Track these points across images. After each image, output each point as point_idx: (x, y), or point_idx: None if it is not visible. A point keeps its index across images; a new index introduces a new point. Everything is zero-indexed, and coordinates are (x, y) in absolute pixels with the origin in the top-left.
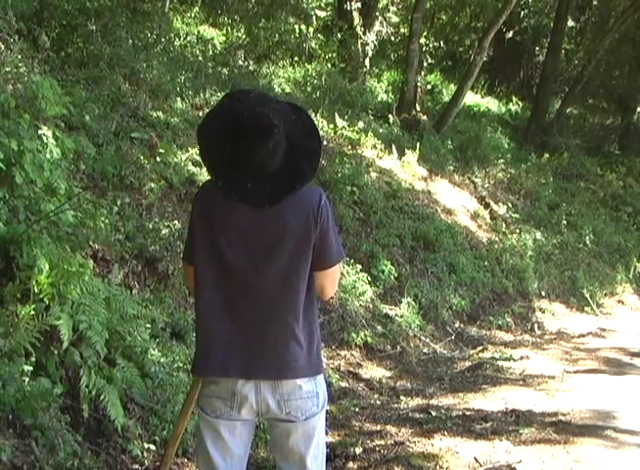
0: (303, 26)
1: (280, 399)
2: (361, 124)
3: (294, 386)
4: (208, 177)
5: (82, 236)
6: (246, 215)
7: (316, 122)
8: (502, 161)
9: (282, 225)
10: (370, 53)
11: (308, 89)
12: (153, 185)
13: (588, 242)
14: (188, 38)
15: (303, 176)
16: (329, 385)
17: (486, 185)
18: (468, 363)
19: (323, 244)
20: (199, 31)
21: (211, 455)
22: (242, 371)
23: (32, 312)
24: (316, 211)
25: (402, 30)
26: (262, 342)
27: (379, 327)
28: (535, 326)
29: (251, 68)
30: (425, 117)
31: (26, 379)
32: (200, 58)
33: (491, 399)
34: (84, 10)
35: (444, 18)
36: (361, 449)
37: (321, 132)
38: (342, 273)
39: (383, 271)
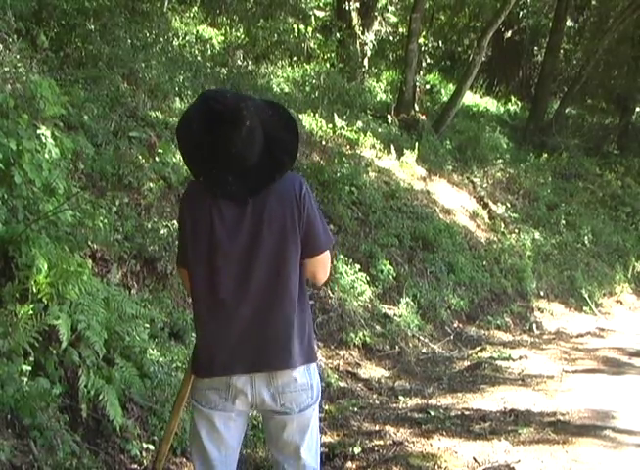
0: (302, 26)
1: (275, 391)
2: (360, 124)
3: (289, 378)
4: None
5: (81, 236)
6: (231, 210)
7: (294, 115)
8: (501, 160)
9: (267, 215)
10: (369, 53)
11: (307, 89)
12: (151, 185)
13: (587, 242)
14: (187, 38)
15: (282, 166)
16: (328, 385)
17: (485, 185)
18: (466, 363)
19: (310, 230)
20: (197, 31)
21: (206, 446)
22: (245, 367)
23: (31, 312)
24: (299, 197)
25: (401, 30)
26: (261, 335)
27: (377, 327)
28: (534, 326)
29: (249, 67)
30: (423, 117)
31: (25, 379)
32: (198, 58)
33: (490, 399)
34: (83, 10)
35: (443, 18)
36: (360, 449)
37: (320, 132)
38: (341, 273)
39: (381, 271)
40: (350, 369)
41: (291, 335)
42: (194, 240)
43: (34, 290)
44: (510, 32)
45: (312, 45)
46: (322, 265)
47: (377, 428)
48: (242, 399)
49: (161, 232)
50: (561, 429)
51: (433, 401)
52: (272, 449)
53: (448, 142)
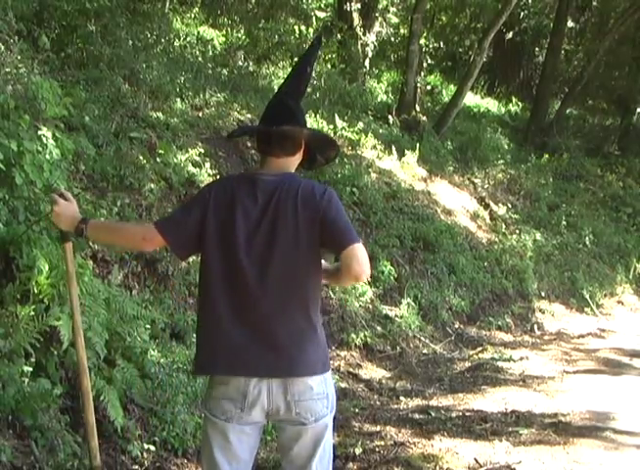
0: (303, 27)
1: (291, 399)
2: (361, 125)
3: (304, 386)
4: (210, 178)
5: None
6: (254, 210)
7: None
8: (502, 161)
9: (283, 217)
10: (370, 54)
11: (308, 90)
12: (152, 186)
13: (588, 242)
14: (188, 39)
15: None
16: None
17: (486, 186)
18: (467, 364)
19: (335, 227)
20: (198, 32)
21: (217, 459)
22: (253, 369)
23: (32, 313)
24: (318, 200)
25: (402, 31)
26: (273, 337)
27: (378, 328)
28: (535, 327)
29: (250, 68)
30: (424, 118)
31: (26, 380)
32: (199, 58)
33: (491, 400)
34: (84, 11)
35: (444, 19)
36: (361, 450)
37: None
38: None
39: (382, 272)
40: (351, 370)
41: (305, 341)
42: (214, 234)
43: (35, 291)
44: (511, 33)
45: None
46: (355, 257)
47: (378, 429)
48: (258, 408)
49: None
50: (562, 430)
51: (433, 402)
52: (283, 461)
53: (449, 143)
